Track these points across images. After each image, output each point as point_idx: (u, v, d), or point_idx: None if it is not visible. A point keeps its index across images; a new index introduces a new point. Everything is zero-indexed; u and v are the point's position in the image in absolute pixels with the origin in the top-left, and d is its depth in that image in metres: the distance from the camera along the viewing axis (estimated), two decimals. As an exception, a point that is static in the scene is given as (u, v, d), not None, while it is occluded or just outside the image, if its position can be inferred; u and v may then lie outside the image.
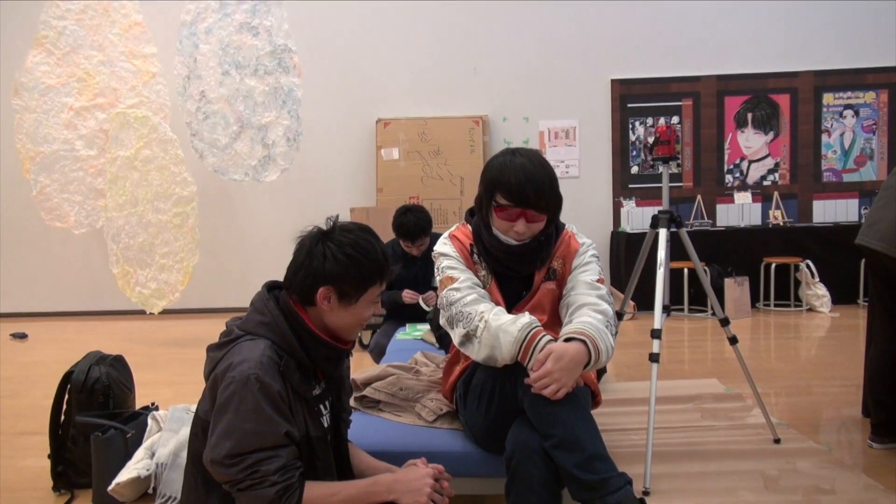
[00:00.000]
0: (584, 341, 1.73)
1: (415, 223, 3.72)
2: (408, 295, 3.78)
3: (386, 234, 4.34)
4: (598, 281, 1.94)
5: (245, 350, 1.47)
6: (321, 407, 1.63)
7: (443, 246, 2.02)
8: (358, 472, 1.72)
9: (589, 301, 1.87)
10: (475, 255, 1.99)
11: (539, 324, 1.80)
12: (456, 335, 1.89)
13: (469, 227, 2.04)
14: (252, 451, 1.41)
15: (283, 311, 1.53)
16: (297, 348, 1.51)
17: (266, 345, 1.47)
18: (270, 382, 1.42)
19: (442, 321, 1.97)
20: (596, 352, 1.74)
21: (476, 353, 1.83)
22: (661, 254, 2.79)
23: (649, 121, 7.27)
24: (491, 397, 1.87)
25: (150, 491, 2.46)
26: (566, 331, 1.79)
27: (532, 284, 1.97)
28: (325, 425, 1.63)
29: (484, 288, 1.95)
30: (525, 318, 1.79)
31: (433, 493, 1.53)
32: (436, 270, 2.01)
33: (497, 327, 1.77)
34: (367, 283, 1.54)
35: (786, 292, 6.56)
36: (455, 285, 1.91)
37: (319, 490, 1.48)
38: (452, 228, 2.09)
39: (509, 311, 1.92)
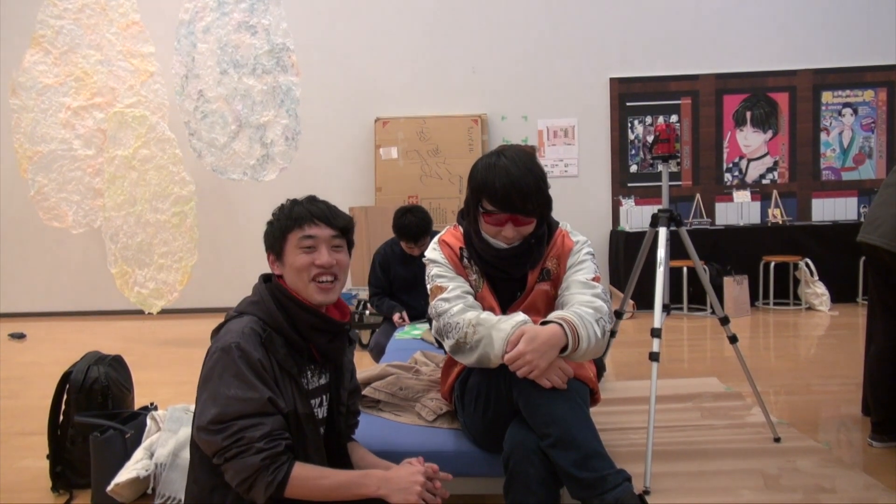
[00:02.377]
0: (561, 325, 1.71)
1: (416, 224, 3.72)
2: (397, 318, 3.83)
3: (385, 233, 4.36)
4: (593, 279, 1.91)
5: (231, 325, 1.54)
6: (322, 398, 1.65)
7: (432, 252, 2.00)
8: (357, 468, 1.72)
9: (583, 300, 1.84)
10: (465, 259, 1.96)
11: (532, 323, 1.77)
12: (447, 345, 1.88)
13: (460, 229, 2.01)
14: (236, 418, 1.43)
15: (272, 290, 1.60)
16: (283, 324, 1.56)
17: (251, 319, 1.54)
18: (250, 350, 1.47)
19: (433, 332, 1.95)
20: (574, 337, 1.70)
21: (468, 357, 1.82)
22: (661, 252, 2.79)
23: (648, 119, 7.27)
24: (487, 398, 1.86)
25: (150, 491, 2.46)
26: (548, 317, 1.77)
27: (526, 285, 1.95)
28: (320, 416, 1.64)
29: (476, 291, 1.93)
30: (519, 316, 1.77)
31: (423, 492, 1.51)
32: (426, 277, 1.99)
33: (490, 326, 1.76)
34: (284, 232, 1.61)
35: (785, 291, 6.57)
36: (444, 295, 1.89)
37: (309, 471, 1.48)
38: (443, 232, 2.06)
39: (503, 312, 1.91)
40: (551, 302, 1.96)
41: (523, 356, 1.65)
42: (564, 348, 1.71)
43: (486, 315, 1.81)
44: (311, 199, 1.66)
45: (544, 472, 1.68)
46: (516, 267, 1.92)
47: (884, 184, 2.92)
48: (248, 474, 1.42)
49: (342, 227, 1.65)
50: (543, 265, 1.95)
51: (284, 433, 1.48)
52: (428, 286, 1.97)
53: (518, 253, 1.89)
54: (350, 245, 1.70)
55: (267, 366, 1.49)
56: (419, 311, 3.83)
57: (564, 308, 1.85)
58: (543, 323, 1.74)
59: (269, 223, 1.65)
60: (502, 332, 1.73)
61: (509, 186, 1.78)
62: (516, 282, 1.96)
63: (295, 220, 1.61)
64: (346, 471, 1.55)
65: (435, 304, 1.90)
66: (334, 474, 1.51)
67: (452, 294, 1.88)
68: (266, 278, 1.67)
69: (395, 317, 3.82)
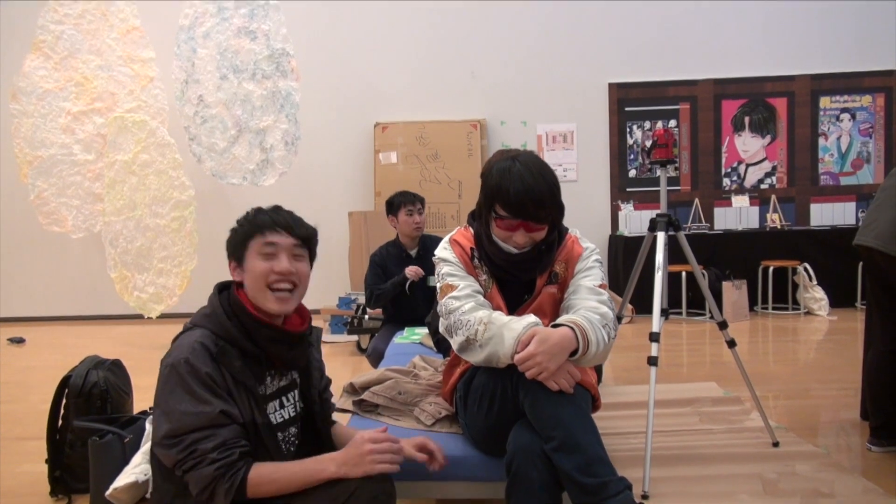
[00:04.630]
0: (572, 328, 1.72)
1: (410, 192, 4.00)
2: (411, 271, 3.77)
3: (385, 238, 4.37)
4: (600, 286, 1.92)
5: (182, 339, 1.56)
6: (284, 399, 1.66)
7: (443, 251, 2.01)
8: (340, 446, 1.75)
9: (589, 305, 1.85)
10: (476, 260, 1.97)
11: (542, 325, 1.78)
12: (455, 342, 1.88)
13: (471, 230, 2.02)
14: (189, 432, 1.45)
15: (226, 301, 1.60)
16: (236, 335, 1.55)
17: (202, 333, 1.54)
18: (199, 365, 1.48)
19: (441, 329, 1.96)
20: (584, 340, 1.71)
21: (477, 355, 1.83)
22: (660, 257, 2.80)
23: (647, 124, 7.28)
24: (492, 399, 1.86)
25: (148, 496, 2.45)
26: (558, 320, 1.79)
27: (534, 288, 1.96)
28: (284, 418, 1.65)
29: (485, 293, 1.94)
30: (530, 318, 1.78)
31: (377, 456, 1.51)
32: (436, 276, 2.00)
33: (501, 325, 1.77)
34: (245, 239, 1.62)
35: (784, 295, 6.57)
36: (455, 293, 1.90)
37: (266, 469, 1.50)
38: (454, 232, 2.07)
39: (511, 314, 1.91)
40: (558, 305, 1.97)
41: (534, 357, 1.66)
42: (574, 352, 1.72)
43: (498, 314, 1.82)
44: (276, 208, 1.68)
45: (548, 477, 1.68)
46: (525, 272, 1.93)
47: (881, 187, 2.94)
48: (205, 484, 1.44)
49: (304, 236, 1.65)
50: (552, 269, 1.96)
51: (240, 441, 1.49)
52: (438, 285, 1.98)
53: (528, 258, 1.90)
54: (312, 257, 1.70)
55: (218, 379, 1.49)
56: (417, 315, 3.81)
57: (570, 312, 1.86)
58: (554, 325, 1.75)
59: (233, 230, 1.66)
60: (514, 331, 1.73)
61: (523, 193, 1.79)
62: (524, 285, 1.97)
63: (257, 226, 1.62)
64: (301, 460, 1.56)
65: (445, 302, 1.91)
66: (290, 466, 1.53)
67: (463, 293, 1.89)
68: (222, 287, 1.66)
69: (408, 270, 3.76)
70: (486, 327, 1.78)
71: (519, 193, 1.79)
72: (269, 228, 1.61)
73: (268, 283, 1.59)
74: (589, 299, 1.87)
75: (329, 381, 1.87)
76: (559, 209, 1.88)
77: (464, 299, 1.88)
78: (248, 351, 1.56)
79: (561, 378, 1.69)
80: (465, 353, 1.87)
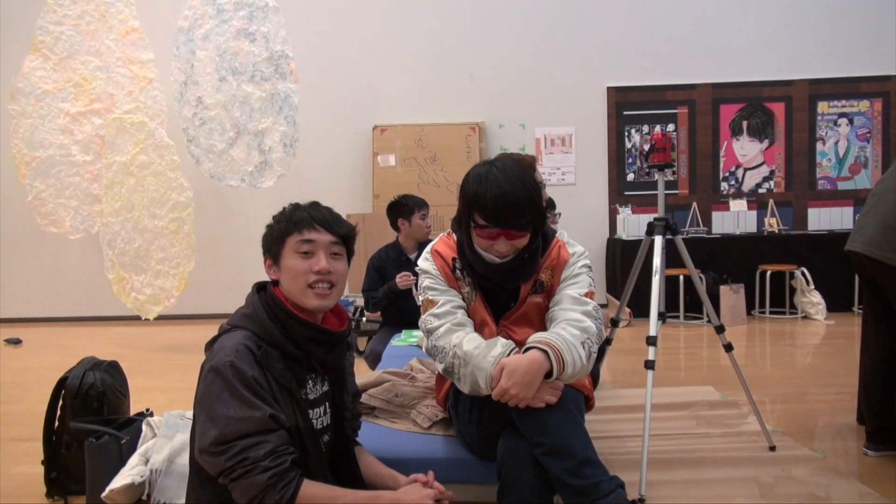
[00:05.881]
0: (544, 351, 1.68)
1: (417, 196, 4.05)
2: (401, 279, 3.71)
3: (383, 240, 4.37)
4: (586, 295, 1.86)
5: (224, 341, 1.50)
6: (325, 405, 1.63)
7: (424, 262, 1.97)
8: (364, 477, 1.72)
9: (572, 317, 1.80)
10: (458, 271, 1.93)
11: (511, 348, 1.75)
12: (438, 367, 1.88)
13: (454, 236, 1.97)
14: (238, 438, 1.40)
15: (265, 301, 1.56)
16: (279, 337, 1.52)
17: (244, 335, 1.50)
18: (245, 369, 1.43)
19: (424, 349, 1.95)
20: (559, 363, 1.67)
21: (461, 387, 1.82)
22: (657, 261, 2.80)
23: (645, 128, 7.29)
24: (481, 406, 1.86)
25: (145, 497, 2.45)
26: (531, 340, 1.74)
27: (519, 297, 1.92)
28: (324, 424, 1.62)
29: (469, 304, 1.91)
30: (497, 348, 1.74)
31: None
32: (419, 288, 1.97)
33: (474, 364, 1.74)
34: (282, 236, 1.58)
35: (781, 300, 6.58)
36: (434, 310, 1.87)
37: (319, 490, 1.46)
38: (436, 240, 2.02)
39: (497, 321, 1.90)
40: (544, 314, 1.93)
41: (507, 392, 1.65)
42: (549, 373, 1.69)
43: (468, 347, 1.77)
44: (314, 205, 1.63)
45: (538, 480, 1.68)
46: (509, 281, 1.89)
47: (871, 193, 2.96)
48: (255, 493, 1.40)
49: (343, 234, 1.61)
50: (537, 277, 1.91)
51: (289, 448, 1.45)
52: (420, 297, 1.96)
53: (511, 267, 1.85)
54: (350, 254, 1.66)
55: (263, 383, 1.45)
56: (415, 318, 3.78)
57: (552, 324, 1.83)
58: (527, 348, 1.72)
59: (269, 226, 1.62)
60: (483, 370, 1.72)
61: (500, 200, 1.73)
62: (509, 293, 1.93)
63: (294, 223, 1.57)
64: (356, 492, 1.53)
65: (425, 319, 1.89)
66: (344, 495, 1.49)
67: (442, 310, 1.86)
68: (259, 287, 1.63)
69: (399, 279, 3.70)
70: (460, 362, 1.76)
71: (496, 200, 1.73)
72: (306, 225, 1.57)
73: (307, 283, 1.55)
74: (573, 310, 1.82)
75: (358, 392, 1.84)
76: (540, 215, 1.83)
77: (442, 317, 1.85)
78: (289, 353, 1.53)
79: (544, 395, 1.68)
80: (451, 379, 1.86)
